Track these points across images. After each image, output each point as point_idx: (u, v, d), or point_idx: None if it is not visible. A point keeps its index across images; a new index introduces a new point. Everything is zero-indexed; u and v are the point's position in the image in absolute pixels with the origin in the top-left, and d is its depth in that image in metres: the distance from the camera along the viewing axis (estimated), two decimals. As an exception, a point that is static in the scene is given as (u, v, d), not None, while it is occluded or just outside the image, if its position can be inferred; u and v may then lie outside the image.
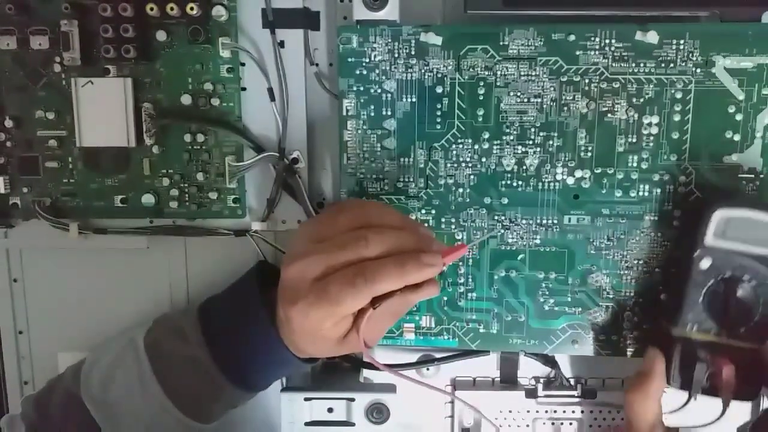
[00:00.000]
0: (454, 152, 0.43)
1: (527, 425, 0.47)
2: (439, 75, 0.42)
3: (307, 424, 0.48)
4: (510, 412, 0.47)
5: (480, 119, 0.42)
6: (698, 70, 0.40)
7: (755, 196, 0.41)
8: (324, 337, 0.37)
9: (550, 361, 0.46)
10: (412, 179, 0.43)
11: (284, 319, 0.37)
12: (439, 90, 0.42)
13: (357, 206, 0.38)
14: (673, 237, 0.42)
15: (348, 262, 0.35)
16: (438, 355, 0.46)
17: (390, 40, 0.42)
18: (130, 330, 0.43)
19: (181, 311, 0.44)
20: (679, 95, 0.41)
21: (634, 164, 0.42)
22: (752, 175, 0.41)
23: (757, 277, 0.37)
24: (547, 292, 0.44)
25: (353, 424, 0.48)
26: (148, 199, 0.46)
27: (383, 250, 0.35)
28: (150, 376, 0.40)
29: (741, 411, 0.44)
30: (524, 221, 0.43)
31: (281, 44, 0.44)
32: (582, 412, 0.47)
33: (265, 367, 0.41)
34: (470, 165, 0.43)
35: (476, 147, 0.42)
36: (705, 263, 0.37)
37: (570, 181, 0.42)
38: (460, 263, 0.44)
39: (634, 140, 0.42)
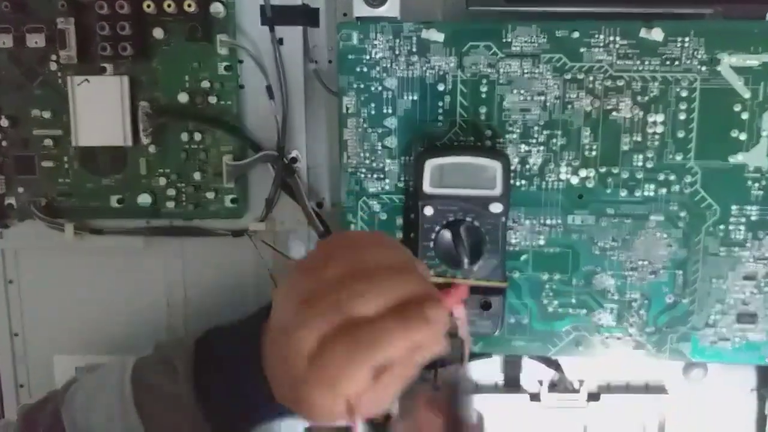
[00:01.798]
0: (456, 151, 0.42)
1: (531, 429, 0.46)
2: (441, 72, 0.41)
3: (306, 429, 0.47)
4: (513, 415, 0.46)
5: (482, 117, 0.42)
6: (703, 68, 0.40)
7: (464, 143, 0.42)
8: (327, 415, 0.31)
9: (553, 363, 0.46)
10: (412, 179, 0.43)
11: (290, 401, 0.32)
12: (440, 87, 0.41)
13: (348, 250, 0.32)
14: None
15: (344, 326, 0.29)
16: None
17: (391, 37, 0.41)
18: (126, 358, 0.40)
19: (177, 341, 0.39)
20: (684, 93, 0.40)
21: (639, 163, 0.41)
22: (758, 174, 0.41)
23: (476, 217, 0.40)
24: (550, 294, 0.43)
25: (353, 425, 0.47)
26: (144, 199, 0.45)
27: (383, 305, 0.29)
28: (131, 407, 0.37)
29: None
30: (527, 221, 0.42)
31: (280, 41, 0.44)
32: (586, 415, 0.46)
33: (252, 422, 0.38)
34: (472, 164, 0.42)
35: (479, 145, 0.42)
36: (428, 210, 0.40)
37: (574, 180, 0.42)
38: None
39: (639, 139, 0.41)
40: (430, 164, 0.40)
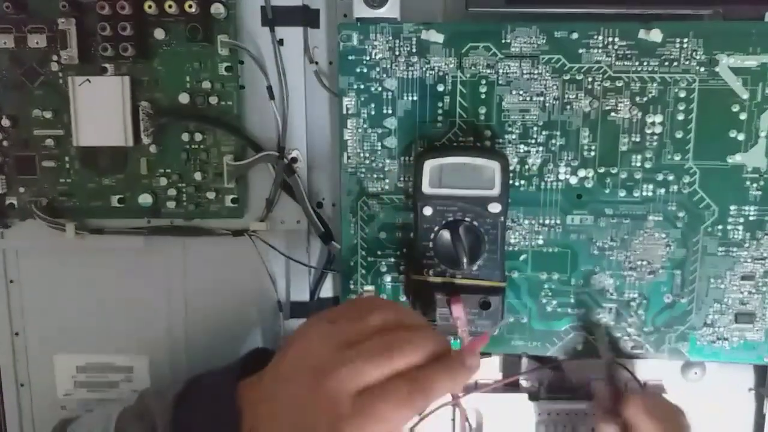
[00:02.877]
0: (456, 151, 0.42)
1: (530, 428, 0.47)
2: (441, 73, 0.41)
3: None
4: (513, 414, 0.47)
5: (482, 118, 0.42)
6: (702, 69, 0.40)
7: (463, 143, 0.42)
8: None
9: (552, 363, 0.46)
10: (412, 178, 0.43)
11: None
12: (440, 88, 0.42)
13: (386, 306, 0.36)
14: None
15: (395, 372, 0.32)
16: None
17: (391, 38, 0.41)
18: (115, 403, 0.40)
19: (160, 393, 0.39)
20: (682, 94, 0.40)
21: (638, 164, 0.41)
22: (756, 175, 0.41)
23: (475, 217, 0.40)
24: (549, 293, 0.43)
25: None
26: (145, 199, 0.45)
27: (428, 353, 0.33)
28: None
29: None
30: (526, 221, 0.43)
31: (280, 42, 0.44)
32: (585, 414, 0.46)
33: None
34: (472, 164, 0.42)
35: (478, 146, 0.42)
36: (427, 210, 0.40)
37: (573, 180, 0.42)
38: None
39: (638, 139, 0.41)
40: (429, 164, 0.40)
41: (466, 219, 0.40)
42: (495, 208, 0.39)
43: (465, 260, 0.40)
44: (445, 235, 0.40)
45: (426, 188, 0.40)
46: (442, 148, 0.42)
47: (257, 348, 0.42)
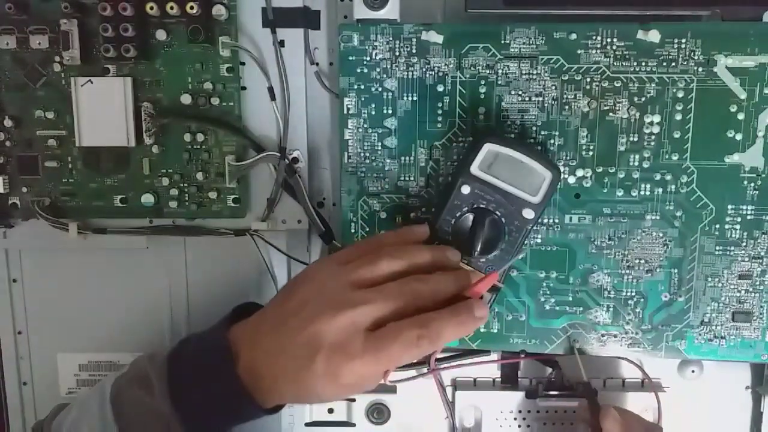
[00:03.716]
0: (455, 151, 0.42)
1: (528, 425, 0.47)
2: (440, 73, 0.42)
3: (307, 424, 0.48)
4: (511, 412, 0.47)
5: (481, 118, 0.42)
6: (700, 69, 0.40)
7: (530, 143, 0.42)
8: (356, 390, 0.36)
9: (550, 361, 0.46)
10: (413, 178, 0.43)
11: (323, 373, 0.34)
12: (440, 88, 0.42)
13: (395, 246, 0.37)
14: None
15: (403, 312, 0.34)
16: (439, 355, 0.46)
17: (391, 39, 0.42)
18: (105, 377, 0.40)
19: (153, 355, 0.39)
20: (680, 94, 0.41)
21: (636, 163, 0.42)
22: (754, 175, 0.41)
23: (505, 215, 0.39)
24: (548, 292, 0.43)
25: (354, 425, 0.48)
26: (147, 198, 0.46)
27: (437, 299, 0.35)
28: (113, 428, 0.37)
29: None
30: (525, 221, 0.43)
31: (281, 43, 0.44)
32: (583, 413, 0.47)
33: (229, 425, 0.38)
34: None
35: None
36: (465, 189, 0.39)
37: (571, 180, 0.42)
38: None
39: (636, 139, 0.41)
40: (488, 147, 0.39)
41: (497, 213, 0.39)
42: (529, 214, 0.39)
43: (477, 249, 0.39)
44: (469, 218, 0.39)
45: (474, 168, 0.39)
46: (508, 138, 0.41)
47: (248, 302, 0.42)
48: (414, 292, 0.35)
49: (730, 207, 0.42)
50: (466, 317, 0.35)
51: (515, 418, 0.47)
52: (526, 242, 0.42)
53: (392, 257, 0.36)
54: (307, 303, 0.35)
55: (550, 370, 0.46)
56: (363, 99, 0.42)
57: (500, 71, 0.41)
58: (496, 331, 0.44)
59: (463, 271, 0.38)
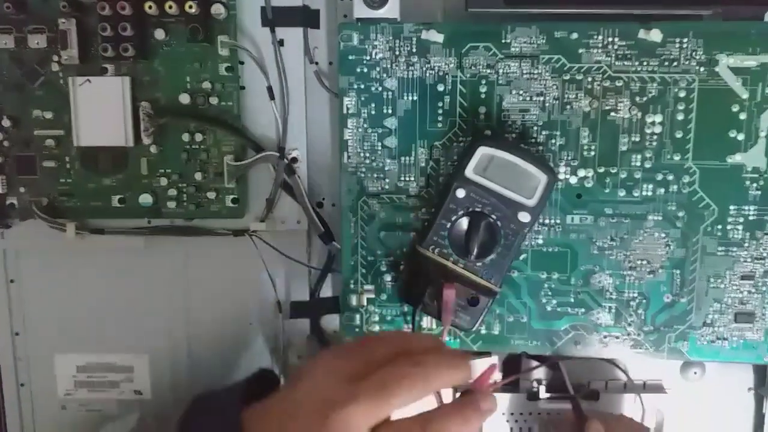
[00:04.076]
0: (456, 151, 0.42)
1: (529, 428, 0.47)
2: (441, 73, 0.41)
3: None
4: (512, 414, 0.47)
5: (482, 118, 0.42)
6: (702, 69, 0.40)
7: (525, 146, 0.41)
8: None
9: (552, 362, 0.46)
10: (413, 178, 0.43)
11: None
12: (440, 88, 0.42)
13: (393, 336, 0.36)
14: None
15: (404, 404, 0.32)
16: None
17: (391, 38, 0.41)
18: (114, 425, 0.39)
19: (160, 416, 0.38)
20: (682, 94, 0.41)
21: (638, 163, 0.41)
22: (756, 175, 0.41)
23: (501, 218, 0.39)
24: (549, 293, 0.43)
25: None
26: (146, 199, 0.45)
27: (441, 387, 0.33)
28: None
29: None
30: (526, 221, 0.43)
31: (281, 43, 0.44)
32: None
33: None
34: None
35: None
36: (460, 193, 0.39)
37: (573, 180, 0.42)
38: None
39: (638, 139, 0.41)
40: (482, 151, 0.39)
41: (492, 216, 0.39)
42: (524, 217, 0.39)
43: (473, 254, 0.39)
44: (464, 222, 0.39)
45: (469, 172, 0.39)
46: (502, 140, 0.41)
47: (261, 369, 0.41)
48: (424, 385, 0.32)
49: (732, 207, 0.41)
50: (471, 413, 0.33)
51: (516, 420, 0.47)
52: (524, 244, 0.42)
53: (388, 341, 0.34)
54: (302, 405, 0.32)
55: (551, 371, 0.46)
56: (363, 98, 0.42)
57: (501, 71, 0.41)
58: (497, 332, 0.44)
59: (464, 363, 0.34)
